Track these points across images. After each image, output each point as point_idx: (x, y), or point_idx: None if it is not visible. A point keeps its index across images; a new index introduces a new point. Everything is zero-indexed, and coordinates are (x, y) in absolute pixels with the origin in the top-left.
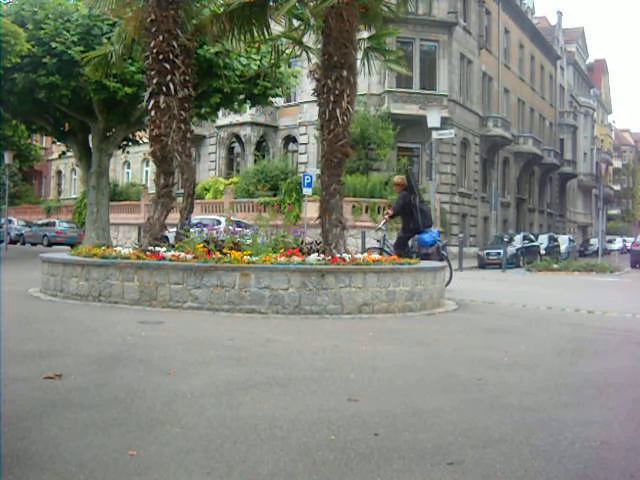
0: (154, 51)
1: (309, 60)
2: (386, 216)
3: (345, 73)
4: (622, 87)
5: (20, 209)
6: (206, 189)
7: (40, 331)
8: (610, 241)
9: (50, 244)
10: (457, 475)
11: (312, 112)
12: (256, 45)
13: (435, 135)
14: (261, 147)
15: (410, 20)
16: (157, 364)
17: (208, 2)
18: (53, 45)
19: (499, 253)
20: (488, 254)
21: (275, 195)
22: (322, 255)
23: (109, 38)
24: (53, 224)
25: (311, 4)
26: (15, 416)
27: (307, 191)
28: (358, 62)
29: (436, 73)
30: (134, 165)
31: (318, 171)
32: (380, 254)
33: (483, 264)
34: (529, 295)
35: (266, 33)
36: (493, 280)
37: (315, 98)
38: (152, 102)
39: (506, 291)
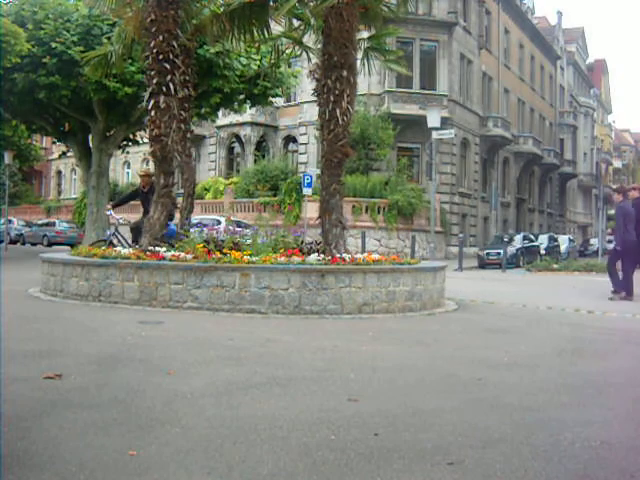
0: (154, 51)
1: (309, 60)
2: (109, 206)
3: (345, 73)
4: (622, 87)
5: (20, 209)
6: (206, 189)
7: (40, 331)
8: (610, 241)
9: (50, 244)
10: (457, 475)
11: (312, 112)
12: (256, 45)
13: (435, 135)
14: (261, 147)
15: (410, 20)
16: (157, 364)
17: (208, 2)
18: (53, 45)
19: (499, 253)
20: (488, 254)
21: (275, 195)
22: (322, 255)
23: (109, 38)
24: (53, 224)
25: (311, 4)
26: (15, 416)
27: (307, 191)
28: (358, 62)
29: (436, 73)
30: (134, 165)
31: (318, 171)
32: (109, 246)
33: (483, 264)
34: (529, 295)
35: (266, 33)
36: (493, 280)
37: (315, 98)
38: (152, 102)
39: (506, 291)
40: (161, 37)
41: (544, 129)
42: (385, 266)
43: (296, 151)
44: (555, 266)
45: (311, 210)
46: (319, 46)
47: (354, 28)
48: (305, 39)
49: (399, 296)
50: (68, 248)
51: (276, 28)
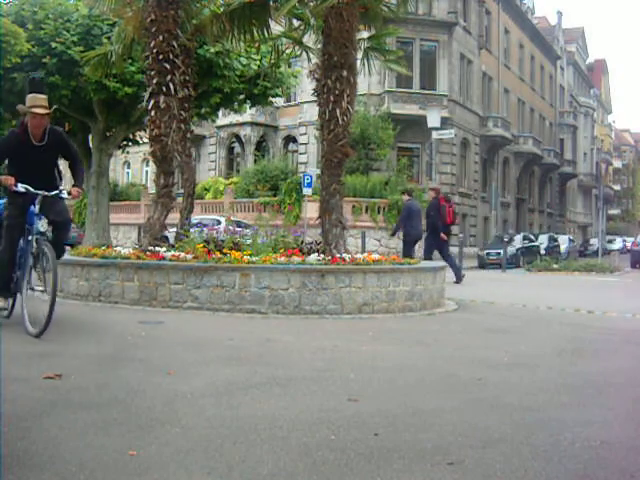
0: (154, 51)
1: (309, 60)
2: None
3: (345, 73)
4: (622, 87)
5: None
6: (206, 189)
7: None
8: (610, 241)
9: None
10: (457, 475)
11: (312, 112)
12: (256, 45)
13: (435, 135)
14: (261, 147)
15: (410, 20)
16: (157, 364)
17: (208, 2)
18: (53, 45)
19: (499, 253)
20: (488, 254)
21: (275, 195)
22: (322, 255)
23: (109, 38)
24: None
25: (311, 4)
26: (15, 416)
27: (307, 191)
28: (358, 62)
29: (436, 73)
30: (134, 165)
31: (318, 171)
32: None
33: (483, 264)
34: (529, 295)
35: (266, 33)
36: (493, 280)
37: (315, 98)
38: (152, 102)
39: (506, 291)
40: (161, 37)
41: (544, 129)
42: (385, 266)
43: (296, 151)
44: (555, 266)
45: (311, 210)
46: (319, 46)
47: (354, 28)
48: (305, 39)
49: (399, 296)
50: (68, 248)
51: (276, 28)
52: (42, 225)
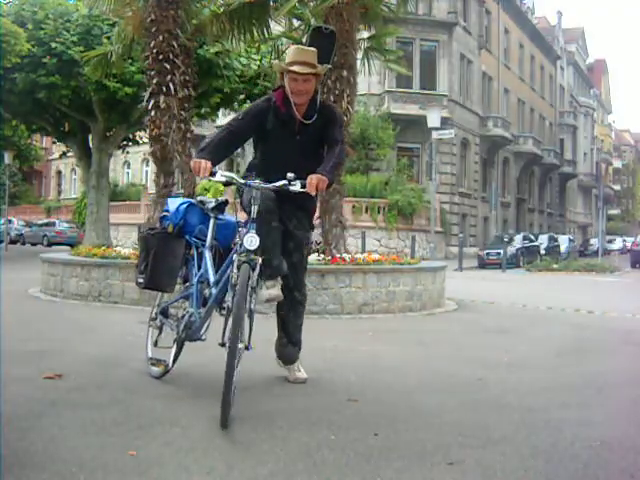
0: (154, 51)
1: None
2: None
3: (345, 73)
4: (622, 87)
5: (20, 209)
6: (206, 189)
7: (40, 331)
8: (610, 241)
9: (50, 244)
10: (457, 475)
11: None
12: (256, 45)
13: (435, 135)
14: None
15: (410, 20)
16: None
17: (208, 2)
18: (53, 45)
19: (499, 253)
20: (488, 254)
21: None
22: (322, 255)
23: (109, 38)
24: (53, 224)
25: (311, 4)
26: (15, 416)
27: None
28: (358, 62)
29: (436, 73)
30: (134, 165)
31: None
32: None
33: (483, 264)
34: (529, 295)
35: (266, 33)
36: (493, 280)
37: None
38: (152, 102)
39: (506, 291)
40: (161, 37)
41: (544, 129)
42: (385, 266)
43: None
44: (555, 266)
45: None
46: None
47: (354, 28)
48: (305, 39)
49: (399, 296)
50: (68, 248)
51: (276, 28)
52: (250, 239)
